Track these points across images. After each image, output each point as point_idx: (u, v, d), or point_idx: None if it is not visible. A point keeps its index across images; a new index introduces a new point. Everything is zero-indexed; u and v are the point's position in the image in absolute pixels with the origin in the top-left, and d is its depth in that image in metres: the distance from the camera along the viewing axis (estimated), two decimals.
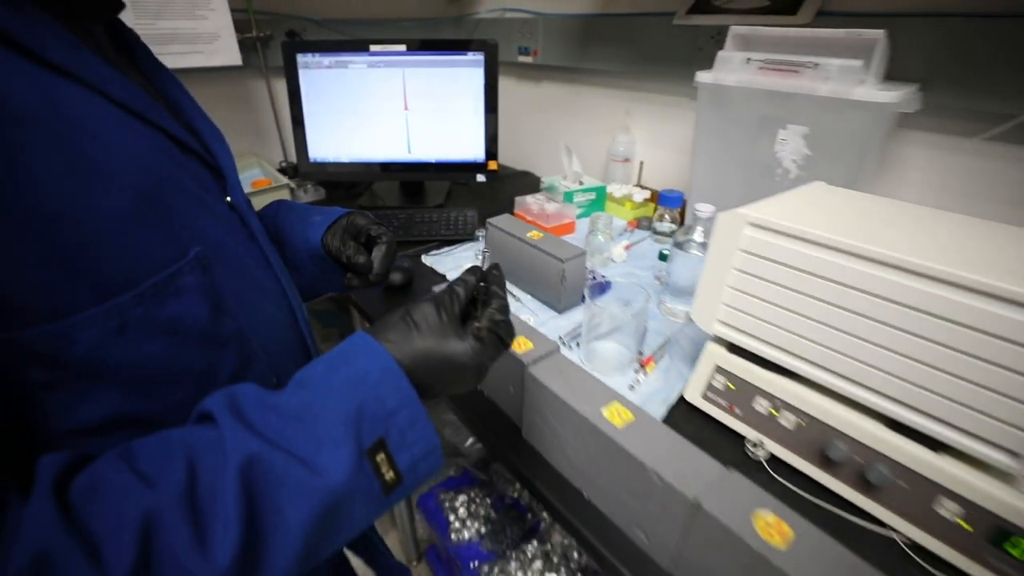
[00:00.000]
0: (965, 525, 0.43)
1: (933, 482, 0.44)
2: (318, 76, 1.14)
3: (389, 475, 0.32)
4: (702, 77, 0.84)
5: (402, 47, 1.12)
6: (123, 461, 0.27)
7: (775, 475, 0.52)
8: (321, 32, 1.38)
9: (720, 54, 0.81)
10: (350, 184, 1.36)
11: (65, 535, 0.23)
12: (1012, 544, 0.41)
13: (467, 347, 0.36)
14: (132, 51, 0.41)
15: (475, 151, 1.19)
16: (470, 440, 1.25)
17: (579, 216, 1.12)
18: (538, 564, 0.92)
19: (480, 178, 1.20)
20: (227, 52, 1.09)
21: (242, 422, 0.29)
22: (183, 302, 0.33)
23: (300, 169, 1.22)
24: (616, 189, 1.15)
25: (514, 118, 1.54)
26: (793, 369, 0.51)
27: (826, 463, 0.50)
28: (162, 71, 0.43)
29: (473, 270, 0.42)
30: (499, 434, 0.59)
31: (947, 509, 0.43)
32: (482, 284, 0.42)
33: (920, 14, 0.73)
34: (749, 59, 0.78)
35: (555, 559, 0.93)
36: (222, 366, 0.37)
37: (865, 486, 0.48)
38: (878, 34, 0.67)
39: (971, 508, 0.42)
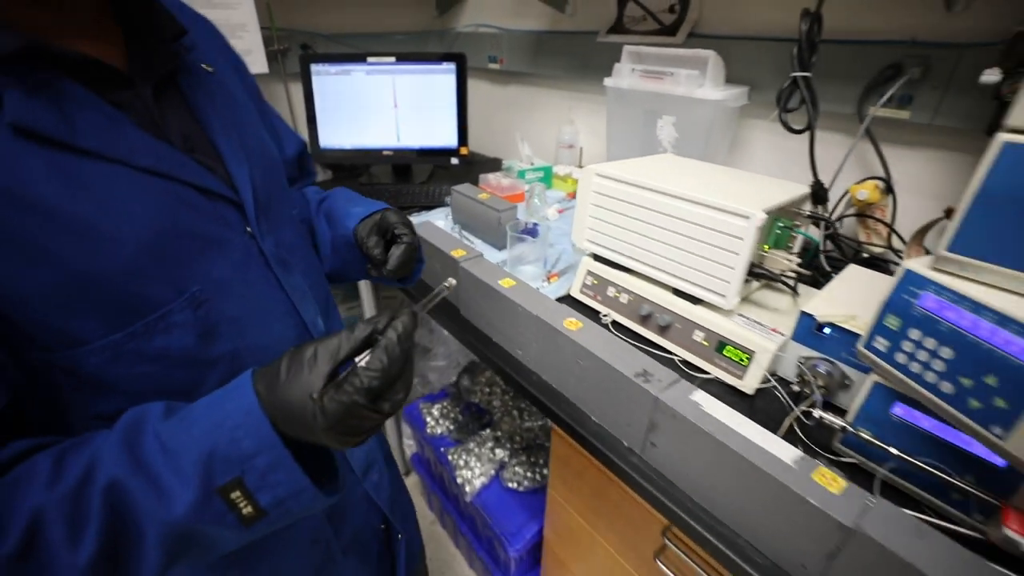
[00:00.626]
0: (705, 343, 0.74)
1: (692, 321, 0.75)
2: (327, 81, 1.46)
3: (247, 510, 0.35)
4: (607, 82, 1.15)
5: (392, 59, 1.44)
6: (50, 459, 0.34)
7: (614, 332, 0.83)
8: (329, 45, 1.70)
9: (616, 65, 1.12)
10: (351, 166, 1.68)
11: None
12: (727, 350, 0.72)
13: (311, 407, 0.34)
14: (185, 96, 0.46)
15: (450, 139, 1.51)
16: (454, 377, 1.57)
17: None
18: (490, 444, 1.24)
19: (454, 161, 1.52)
20: (257, 63, 1.40)
21: (126, 443, 0.34)
22: (170, 336, 0.40)
23: (312, 155, 1.54)
24: (560, 169, 1.46)
25: (485, 114, 1.86)
26: (626, 264, 0.82)
27: (641, 320, 0.81)
28: (215, 110, 0.47)
29: (371, 321, 0.38)
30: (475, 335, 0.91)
31: (697, 336, 0.74)
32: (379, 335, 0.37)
33: (751, 38, 1.04)
34: (633, 69, 1.09)
35: (503, 440, 1.24)
36: (208, 382, 0.43)
37: (660, 330, 0.79)
38: (709, 53, 0.98)
39: (708, 332, 0.73)
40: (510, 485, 1.15)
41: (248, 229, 0.46)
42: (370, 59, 1.44)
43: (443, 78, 1.46)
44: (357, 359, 0.36)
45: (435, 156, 1.54)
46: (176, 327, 0.40)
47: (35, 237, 0.33)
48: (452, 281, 0.46)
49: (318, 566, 0.57)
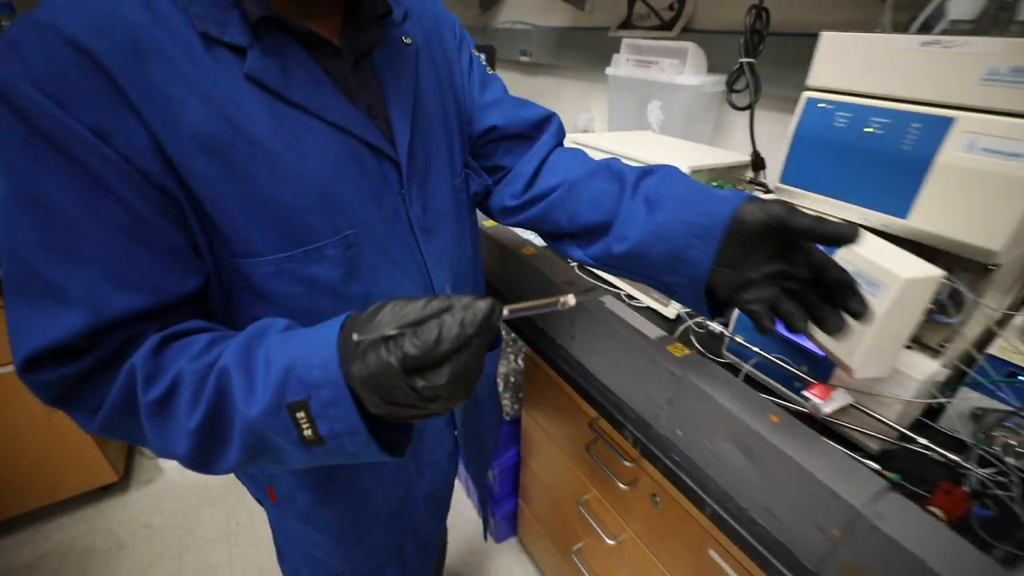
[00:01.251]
0: None
1: None
2: None
3: (308, 432, 0.36)
4: (608, 70, 1.31)
5: None
6: (206, 339, 0.41)
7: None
8: None
9: (615, 56, 1.28)
10: None
11: (147, 360, 0.39)
12: None
13: (355, 350, 0.34)
14: (375, 69, 0.50)
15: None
16: None
17: None
18: None
19: None
20: None
21: (247, 341, 0.39)
22: (322, 266, 0.46)
23: None
24: None
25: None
26: None
27: None
28: (396, 83, 0.51)
29: (455, 298, 0.34)
30: None
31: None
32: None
33: (732, 32, 1.17)
34: (628, 59, 1.25)
35: (502, 377, 1.45)
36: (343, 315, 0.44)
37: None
38: (689, 45, 1.13)
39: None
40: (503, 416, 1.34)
41: (401, 192, 0.50)
42: None
43: None
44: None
45: None
46: (327, 260, 0.46)
47: (247, 162, 0.40)
48: (571, 299, 0.35)
49: (401, 497, 0.66)
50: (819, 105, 0.54)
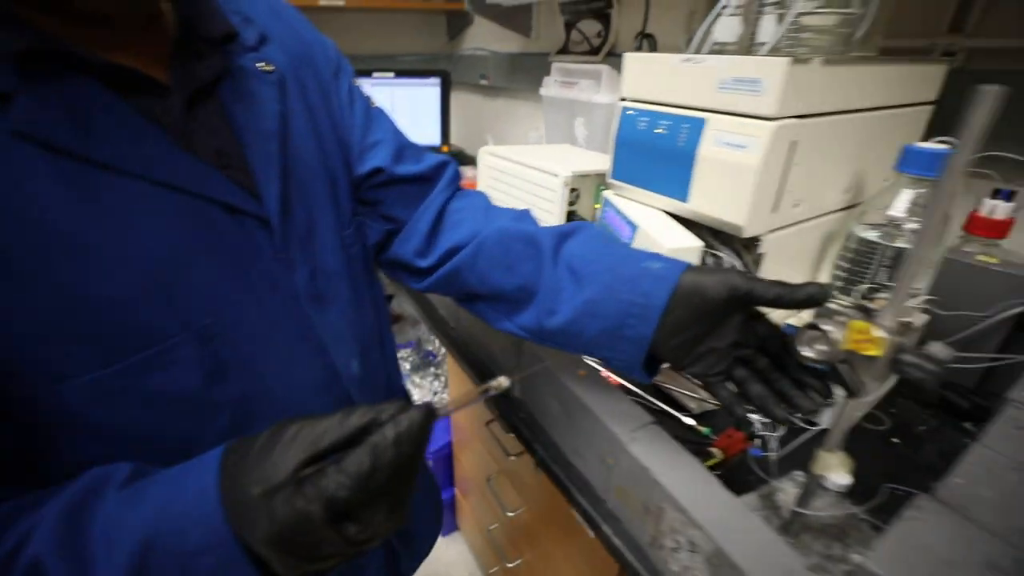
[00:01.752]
0: None
1: None
2: None
3: None
4: (541, 91, 1.43)
5: (392, 74, 1.80)
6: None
7: None
8: (356, 63, 2.10)
9: (546, 78, 1.41)
10: None
11: None
12: None
13: (257, 504, 0.27)
14: (222, 105, 0.40)
15: (435, 139, 1.85)
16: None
17: None
18: (430, 378, 1.52)
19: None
20: None
21: (69, 513, 0.29)
22: (171, 374, 0.35)
23: None
24: None
25: (478, 121, 2.19)
26: None
27: None
28: (255, 121, 0.41)
29: (377, 409, 0.30)
30: None
31: None
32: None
33: None
34: (556, 80, 1.37)
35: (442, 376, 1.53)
36: (208, 432, 0.37)
37: None
38: (603, 67, 1.25)
39: None
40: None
41: (278, 256, 0.41)
42: (375, 74, 1.82)
43: (430, 90, 1.80)
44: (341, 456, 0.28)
45: None
46: (178, 364, 0.35)
47: (29, 256, 0.30)
48: (503, 381, 0.34)
49: None
50: (628, 112, 0.65)
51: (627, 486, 0.51)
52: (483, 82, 2.04)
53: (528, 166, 0.97)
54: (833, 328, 0.35)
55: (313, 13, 1.91)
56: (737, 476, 0.56)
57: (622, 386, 0.66)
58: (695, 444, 0.59)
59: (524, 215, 0.54)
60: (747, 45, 0.57)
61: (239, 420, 0.39)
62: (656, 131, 0.60)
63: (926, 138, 0.71)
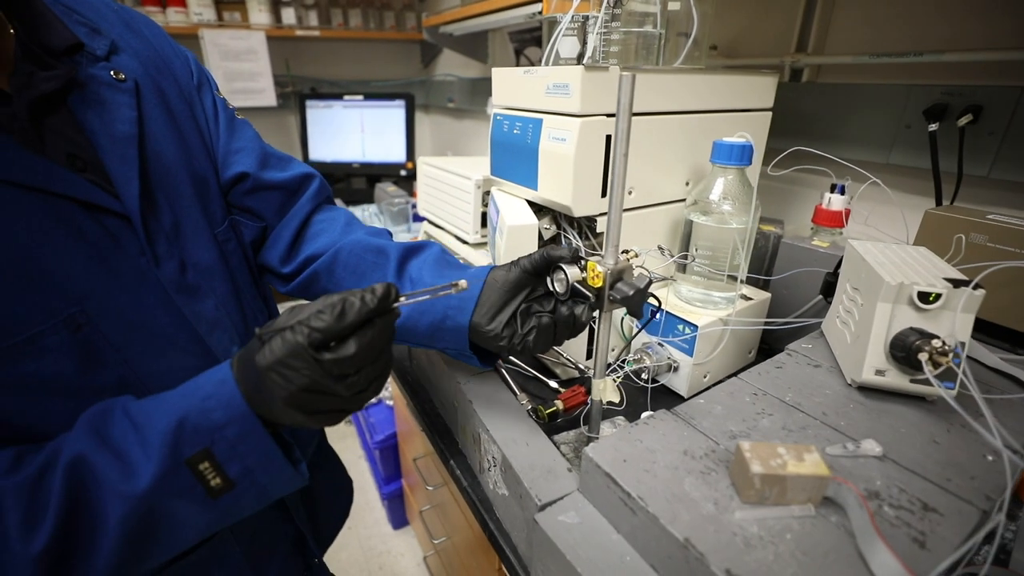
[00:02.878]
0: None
1: (458, 254, 1.11)
2: (316, 113, 2.01)
3: (215, 481, 0.35)
4: (488, 108, 1.56)
5: (361, 97, 1.96)
6: (9, 453, 0.35)
7: None
8: (328, 86, 2.27)
9: (490, 98, 1.54)
10: (329, 174, 2.19)
11: None
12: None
13: (256, 346, 0.35)
14: (73, 112, 0.43)
15: (400, 156, 1.99)
16: None
17: None
18: None
19: (403, 172, 1.99)
20: (268, 99, 1.97)
21: (91, 425, 0.36)
22: (43, 361, 0.38)
23: None
24: None
25: (445, 140, 2.34)
26: (436, 222, 1.21)
27: None
28: (109, 127, 0.44)
29: (373, 290, 0.36)
30: None
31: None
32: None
33: None
34: None
35: None
36: None
37: None
38: None
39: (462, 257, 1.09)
40: (387, 401, 1.51)
41: (145, 250, 0.45)
42: (346, 97, 1.97)
43: (396, 111, 1.95)
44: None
45: (390, 168, 2.01)
46: (49, 351, 0.39)
47: None
48: (463, 284, 0.39)
49: None
50: (497, 117, 0.76)
51: (465, 422, 0.60)
52: (450, 104, 2.19)
53: (449, 172, 1.09)
54: (567, 268, 0.45)
55: (289, 42, 2.09)
56: (572, 422, 0.64)
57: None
58: (545, 400, 0.68)
59: (381, 232, 0.61)
60: (578, 59, 0.68)
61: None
62: (514, 131, 0.71)
63: (771, 138, 0.81)
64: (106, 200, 0.42)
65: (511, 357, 0.74)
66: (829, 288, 0.66)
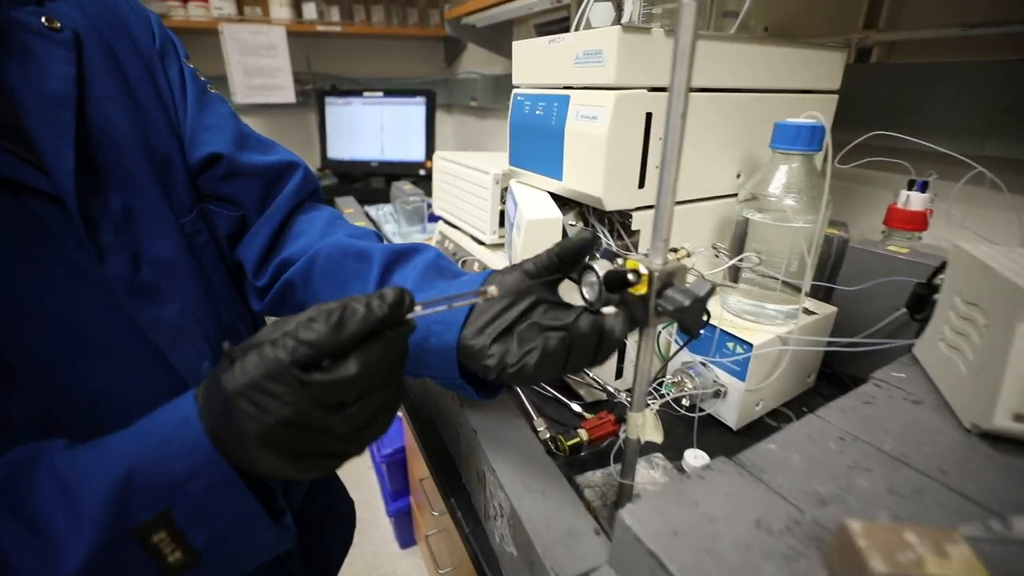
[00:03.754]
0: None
1: (475, 257, 1.02)
2: (335, 110, 1.95)
3: (174, 556, 0.26)
4: None
5: (380, 93, 1.89)
6: None
7: None
8: (348, 82, 2.22)
9: None
10: (349, 174, 2.13)
11: None
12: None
13: (224, 366, 0.26)
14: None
15: (419, 155, 1.91)
16: None
17: None
18: None
19: (421, 172, 1.91)
20: (287, 95, 1.92)
21: (4, 489, 0.26)
22: None
23: (322, 164, 2.01)
24: None
25: (468, 139, 2.26)
26: (452, 221, 1.11)
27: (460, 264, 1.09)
28: (36, 84, 0.35)
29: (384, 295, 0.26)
30: None
31: (476, 267, 1.01)
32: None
33: None
34: None
35: None
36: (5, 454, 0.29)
37: (463, 265, 1.06)
38: None
39: (480, 263, 0.99)
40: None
41: (84, 241, 0.36)
42: (365, 93, 1.91)
43: (416, 108, 1.88)
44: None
45: (409, 167, 1.94)
46: None
47: None
48: (493, 290, 0.32)
49: None
50: (518, 98, 0.66)
51: (468, 454, 0.50)
52: (473, 103, 2.11)
53: (466, 166, 0.99)
54: (599, 267, 0.35)
55: (311, 38, 2.04)
56: (599, 456, 0.53)
57: None
58: (566, 428, 0.58)
59: (366, 233, 0.50)
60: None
61: (52, 437, 0.30)
62: (536, 112, 0.61)
63: (834, 128, 0.69)
64: (28, 175, 0.34)
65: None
66: (919, 302, 0.54)
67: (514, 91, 0.67)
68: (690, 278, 0.34)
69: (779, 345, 0.57)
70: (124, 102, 0.41)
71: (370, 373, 0.25)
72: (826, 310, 0.63)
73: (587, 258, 0.37)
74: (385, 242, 0.50)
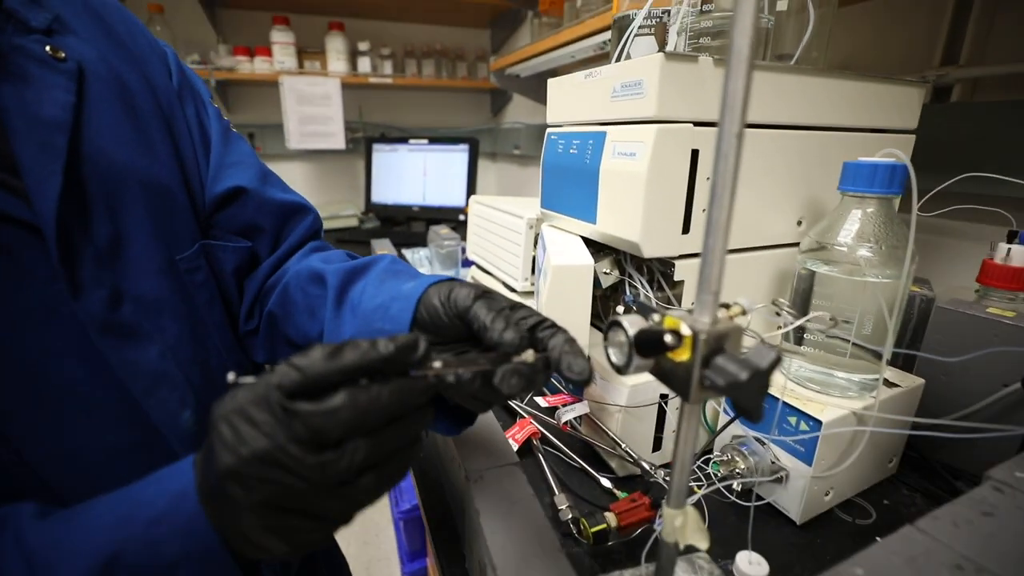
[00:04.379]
0: None
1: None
2: (382, 156, 2.01)
3: None
4: None
5: (425, 140, 1.93)
6: None
7: None
8: (395, 131, 2.29)
9: None
10: (391, 218, 2.16)
11: None
12: None
13: (214, 416, 0.23)
14: None
15: (460, 200, 1.92)
16: None
17: None
18: None
19: (461, 217, 1.91)
20: (337, 142, 2.00)
21: None
22: None
23: (366, 207, 2.05)
24: None
25: (509, 189, 2.26)
26: (483, 266, 1.07)
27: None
28: (31, 110, 0.34)
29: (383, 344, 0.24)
30: None
31: None
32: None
33: None
34: None
35: None
36: None
37: None
38: None
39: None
40: None
41: (58, 275, 0.33)
42: (411, 141, 1.96)
43: (459, 155, 1.90)
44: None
45: (449, 212, 1.95)
46: None
47: None
48: (529, 355, 0.29)
49: None
50: (552, 137, 0.62)
51: (471, 540, 0.42)
52: (516, 151, 2.13)
53: (500, 210, 0.96)
54: (628, 324, 0.28)
55: (364, 89, 2.14)
56: (630, 547, 0.44)
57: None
58: (592, 508, 0.49)
59: (339, 255, 0.48)
60: None
61: (14, 494, 0.28)
62: (571, 151, 0.57)
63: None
64: (10, 204, 0.32)
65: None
66: None
67: (548, 131, 0.64)
68: (747, 342, 0.27)
69: (855, 424, 0.47)
70: (129, 135, 0.40)
71: (358, 412, 0.23)
72: (912, 382, 0.53)
73: (616, 310, 0.30)
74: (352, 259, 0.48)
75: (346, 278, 0.43)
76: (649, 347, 0.27)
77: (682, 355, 0.27)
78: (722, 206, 0.24)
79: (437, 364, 0.25)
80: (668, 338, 0.26)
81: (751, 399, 0.25)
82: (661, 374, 0.29)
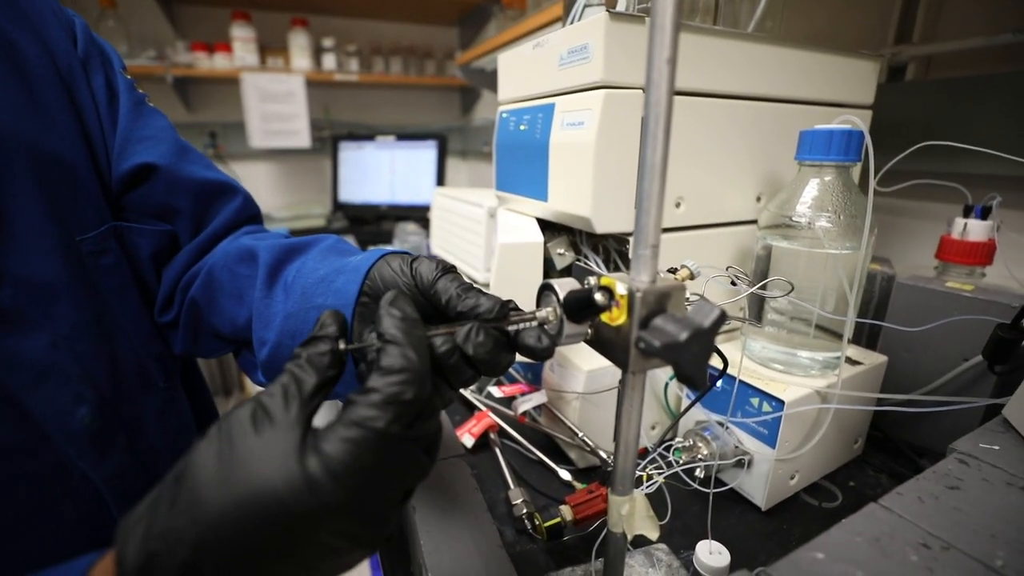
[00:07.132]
0: None
1: None
2: (348, 154, 1.96)
3: None
4: None
5: (392, 137, 1.89)
6: None
7: None
8: (362, 128, 2.24)
9: None
10: (359, 216, 2.11)
11: None
12: None
13: (297, 477, 0.19)
14: None
15: (428, 198, 1.87)
16: None
17: None
18: None
19: (429, 215, 1.87)
20: (303, 140, 1.94)
21: None
22: None
23: (334, 207, 2.00)
24: None
25: (482, 184, 2.22)
26: (457, 263, 1.04)
27: None
28: None
29: (323, 338, 0.23)
30: None
31: None
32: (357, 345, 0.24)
33: None
34: None
35: None
36: None
37: None
38: None
39: None
40: None
41: None
42: (378, 138, 1.91)
43: (427, 152, 1.86)
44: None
45: (417, 210, 1.91)
46: None
47: None
48: (547, 312, 0.26)
49: None
50: (503, 116, 0.59)
51: (410, 535, 0.39)
52: (485, 148, 2.10)
53: (461, 200, 0.93)
54: (560, 288, 0.25)
55: (329, 88, 2.09)
56: (585, 542, 0.42)
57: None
58: (547, 501, 0.46)
59: (268, 234, 0.45)
60: None
61: None
62: (520, 128, 0.54)
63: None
64: None
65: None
66: (1001, 350, 0.42)
67: (499, 108, 0.61)
68: (692, 303, 0.25)
69: (818, 402, 0.45)
70: (17, 98, 0.36)
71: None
72: (874, 359, 0.51)
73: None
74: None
75: (281, 255, 0.39)
76: (579, 309, 0.24)
77: (619, 318, 0.24)
78: (656, 144, 0.22)
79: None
80: (599, 296, 0.23)
81: (693, 363, 0.22)
82: (599, 343, 0.26)
